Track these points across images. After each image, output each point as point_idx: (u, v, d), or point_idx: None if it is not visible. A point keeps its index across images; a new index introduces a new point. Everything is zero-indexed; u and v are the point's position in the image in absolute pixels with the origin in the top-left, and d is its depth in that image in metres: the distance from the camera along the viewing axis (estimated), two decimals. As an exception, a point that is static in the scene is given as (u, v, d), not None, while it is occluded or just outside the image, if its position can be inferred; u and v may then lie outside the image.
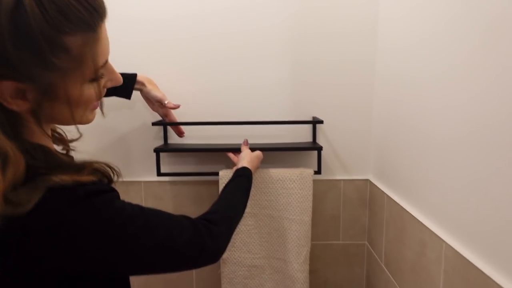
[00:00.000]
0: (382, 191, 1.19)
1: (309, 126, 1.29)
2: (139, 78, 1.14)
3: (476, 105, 0.70)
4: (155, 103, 1.18)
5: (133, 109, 1.27)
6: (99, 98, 0.57)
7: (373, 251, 1.29)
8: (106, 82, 0.59)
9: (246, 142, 1.18)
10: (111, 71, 0.60)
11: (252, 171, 1.04)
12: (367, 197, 1.34)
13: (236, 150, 1.19)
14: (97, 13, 0.51)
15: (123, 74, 1.09)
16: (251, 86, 1.27)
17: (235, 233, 1.20)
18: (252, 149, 1.14)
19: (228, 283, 1.25)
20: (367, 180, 1.33)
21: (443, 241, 0.81)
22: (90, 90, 0.55)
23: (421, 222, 0.92)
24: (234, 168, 1.06)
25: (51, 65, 0.48)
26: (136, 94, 1.17)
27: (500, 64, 0.63)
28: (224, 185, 0.94)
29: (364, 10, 1.23)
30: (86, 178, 0.53)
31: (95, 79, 0.55)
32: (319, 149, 1.23)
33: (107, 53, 0.56)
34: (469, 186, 0.73)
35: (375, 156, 1.29)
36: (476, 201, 0.71)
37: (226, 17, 1.22)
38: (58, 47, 0.48)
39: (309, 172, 1.21)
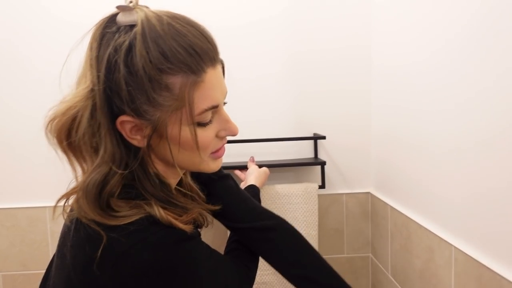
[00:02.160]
0: (385, 203, 1.23)
1: (310, 143, 1.33)
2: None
3: (476, 112, 0.75)
4: None
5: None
6: (196, 144, 0.56)
7: (378, 263, 1.32)
8: (220, 132, 0.61)
9: (252, 159, 1.21)
10: (225, 120, 0.61)
11: (260, 187, 1.06)
12: (369, 209, 1.37)
13: (243, 167, 1.21)
14: (198, 57, 0.53)
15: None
16: (254, 105, 1.31)
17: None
18: (258, 166, 1.17)
19: (237, 300, 1.25)
20: (368, 193, 1.36)
21: (452, 245, 0.85)
22: (186, 133, 0.55)
23: (427, 229, 0.96)
24: (242, 184, 1.09)
25: (155, 102, 0.53)
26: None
27: (497, 71, 0.69)
28: None
29: (359, 23, 1.30)
30: (181, 226, 0.56)
31: (199, 123, 0.56)
32: (323, 164, 1.26)
33: (215, 99, 0.56)
34: (474, 189, 0.77)
35: (375, 169, 1.33)
36: (483, 203, 0.75)
37: (230, 37, 1.28)
38: (159, 85, 0.52)
39: (313, 186, 1.24)
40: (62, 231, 0.61)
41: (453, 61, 0.82)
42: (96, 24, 0.55)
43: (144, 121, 0.54)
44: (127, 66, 0.51)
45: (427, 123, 0.95)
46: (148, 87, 0.52)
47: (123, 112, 0.53)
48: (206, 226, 0.65)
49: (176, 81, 0.52)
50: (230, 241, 0.82)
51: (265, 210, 0.79)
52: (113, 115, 0.54)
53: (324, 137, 1.27)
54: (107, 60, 0.52)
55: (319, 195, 1.28)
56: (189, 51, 0.53)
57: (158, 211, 0.54)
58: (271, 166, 1.22)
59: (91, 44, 0.54)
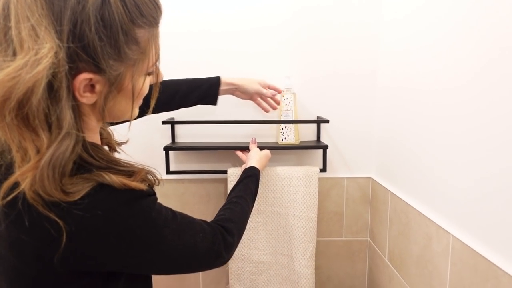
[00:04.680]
0: (386, 188, 1.23)
1: (313, 126, 1.33)
2: (225, 79, 1.10)
3: (478, 100, 0.74)
4: (253, 99, 1.18)
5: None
6: (147, 92, 0.60)
7: (376, 247, 1.33)
8: (153, 78, 0.62)
9: (254, 141, 1.21)
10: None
11: (260, 170, 1.06)
12: (369, 194, 1.37)
13: (245, 148, 1.21)
14: (159, 10, 0.56)
15: (208, 78, 1.08)
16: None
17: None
18: (260, 147, 1.17)
19: (235, 279, 1.27)
20: (369, 178, 1.36)
21: (450, 234, 0.85)
22: (146, 83, 0.59)
23: (426, 217, 0.96)
24: (243, 167, 1.09)
25: (124, 56, 0.52)
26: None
27: (503, 62, 0.67)
28: (233, 183, 0.96)
29: (367, 12, 1.27)
30: (135, 185, 0.55)
31: (151, 72, 0.59)
32: (325, 147, 1.26)
33: (160, 48, 0.59)
34: (474, 179, 0.77)
35: (377, 154, 1.33)
36: (482, 193, 0.74)
37: (234, 22, 1.26)
38: (131, 39, 0.52)
39: (315, 170, 1.24)
40: None
41: (461, 48, 0.80)
42: None
43: (103, 77, 0.51)
44: (102, 20, 0.48)
45: (431, 112, 0.94)
46: (122, 41, 0.51)
47: (83, 70, 0.49)
48: (158, 185, 0.63)
49: (143, 34, 0.54)
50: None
51: None
52: (71, 75, 0.48)
53: (327, 121, 1.26)
54: (71, 14, 0.47)
55: (320, 179, 1.28)
56: (153, 3, 0.54)
57: (109, 177, 0.52)
58: (273, 148, 1.22)
59: None
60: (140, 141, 1.31)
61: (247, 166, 1.05)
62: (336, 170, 1.36)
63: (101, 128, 0.64)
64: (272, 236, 1.26)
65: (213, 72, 1.30)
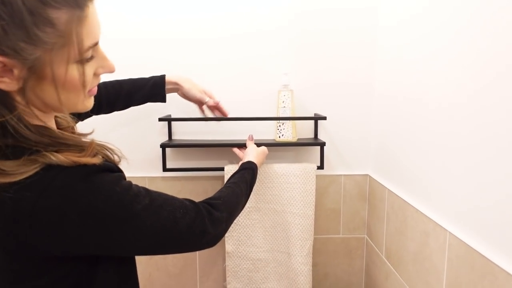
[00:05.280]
0: (383, 186, 1.23)
1: (311, 123, 1.32)
2: (170, 78, 1.10)
3: (475, 97, 0.74)
4: (196, 103, 1.18)
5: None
6: (82, 83, 0.55)
7: (373, 244, 1.33)
8: (97, 69, 0.58)
9: (251, 137, 1.20)
10: (103, 57, 0.59)
11: (258, 165, 1.06)
12: (367, 191, 1.37)
13: (241, 145, 1.21)
14: None
15: (152, 77, 1.09)
16: (255, 83, 1.29)
17: (239, 227, 1.24)
18: (257, 144, 1.16)
19: (232, 276, 1.27)
20: (366, 175, 1.36)
21: (447, 230, 0.85)
22: (73, 72, 0.53)
23: (423, 214, 0.96)
24: (240, 163, 1.08)
25: (36, 38, 0.48)
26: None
27: (498, 65, 0.67)
28: None
29: (365, 8, 1.26)
30: (86, 160, 0.53)
31: (81, 61, 0.53)
32: (322, 144, 1.26)
33: (96, 35, 0.55)
34: (471, 176, 0.77)
35: (374, 151, 1.33)
36: (479, 190, 0.74)
37: (231, 22, 1.25)
38: (43, 20, 0.48)
39: (312, 167, 1.24)
40: None
41: (459, 44, 0.80)
42: None
43: (18, 61, 0.48)
44: None
45: (428, 109, 0.94)
46: (29, 22, 0.47)
47: None
48: (119, 161, 0.62)
49: (61, 16, 0.49)
50: None
51: None
52: None
53: (325, 118, 1.26)
54: None
55: (317, 176, 1.27)
56: None
57: (55, 157, 0.51)
58: (270, 145, 1.21)
59: None
60: (136, 138, 1.31)
61: (244, 161, 1.05)
62: (333, 167, 1.36)
63: (59, 118, 0.63)
64: (269, 234, 1.26)
65: (212, 69, 1.30)
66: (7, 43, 0.46)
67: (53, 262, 0.54)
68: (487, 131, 0.72)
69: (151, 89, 1.08)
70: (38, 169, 0.50)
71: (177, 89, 1.13)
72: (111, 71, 0.60)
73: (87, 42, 0.53)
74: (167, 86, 1.10)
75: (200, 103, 1.17)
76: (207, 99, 1.15)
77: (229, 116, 1.23)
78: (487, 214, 0.73)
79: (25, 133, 0.51)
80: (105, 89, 1.03)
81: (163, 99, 1.11)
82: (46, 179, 0.50)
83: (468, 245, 0.77)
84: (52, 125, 0.59)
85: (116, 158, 0.61)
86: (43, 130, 0.54)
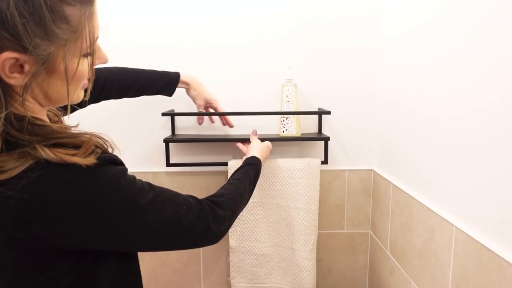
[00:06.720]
0: (388, 181, 1.22)
1: (315, 118, 1.31)
2: (183, 78, 1.14)
3: (481, 92, 0.73)
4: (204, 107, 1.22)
5: (140, 99, 1.27)
6: (89, 75, 0.57)
7: (377, 240, 1.32)
8: (95, 60, 0.59)
9: (255, 132, 1.20)
10: (99, 49, 0.60)
11: (262, 160, 1.05)
12: (371, 186, 1.36)
13: (245, 140, 1.20)
14: None
15: (167, 73, 1.12)
16: (259, 77, 1.28)
17: (243, 222, 1.23)
18: (261, 139, 1.16)
19: (236, 271, 1.26)
20: (371, 170, 1.35)
21: (453, 225, 0.84)
22: (84, 65, 0.55)
23: (429, 209, 0.95)
24: (244, 158, 1.08)
25: (52, 34, 0.49)
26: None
27: (500, 67, 0.66)
28: None
29: (368, 7, 1.25)
30: (76, 159, 0.52)
31: (89, 54, 0.55)
32: (327, 139, 1.25)
33: (98, 29, 0.57)
34: (478, 171, 0.76)
35: (379, 146, 1.32)
36: (486, 185, 0.73)
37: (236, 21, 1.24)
38: (60, 17, 0.49)
39: (316, 162, 1.23)
40: None
41: (463, 40, 0.79)
42: None
43: (31, 57, 0.49)
44: None
45: (433, 103, 0.93)
46: (48, 19, 0.48)
47: (5, 49, 0.47)
48: (113, 150, 0.61)
49: (75, 12, 0.51)
50: None
51: None
52: None
53: (329, 112, 1.25)
54: None
55: (321, 171, 1.27)
56: None
57: (45, 152, 0.50)
58: (274, 140, 1.20)
59: None
60: (139, 133, 1.30)
61: (248, 156, 1.04)
62: (337, 162, 1.35)
63: (49, 111, 0.62)
64: (273, 229, 1.26)
65: (216, 63, 1.29)
66: (24, 40, 0.47)
67: (57, 256, 0.54)
68: (495, 126, 0.71)
69: (165, 86, 1.12)
70: (29, 163, 0.50)
71: (187, 89, 1.17)
72: (105, 61, 0.62)
73: (96, 35, 0.55)
74: (179, 85, 1.14)
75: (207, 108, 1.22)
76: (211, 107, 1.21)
77: (233, 112, 1.23)
78: (494, 209, 0.72)
79: (20, 127, 0.51)
80: (119, 75, 1.05)
81: (170, 95, 1.15)
82: (53, 172, 0.50)
83: (476, 240, 0.76)
84: (46, 118, 0.59)
85: (110, 149, 0.61)
86: (39, 124, 0.54)
